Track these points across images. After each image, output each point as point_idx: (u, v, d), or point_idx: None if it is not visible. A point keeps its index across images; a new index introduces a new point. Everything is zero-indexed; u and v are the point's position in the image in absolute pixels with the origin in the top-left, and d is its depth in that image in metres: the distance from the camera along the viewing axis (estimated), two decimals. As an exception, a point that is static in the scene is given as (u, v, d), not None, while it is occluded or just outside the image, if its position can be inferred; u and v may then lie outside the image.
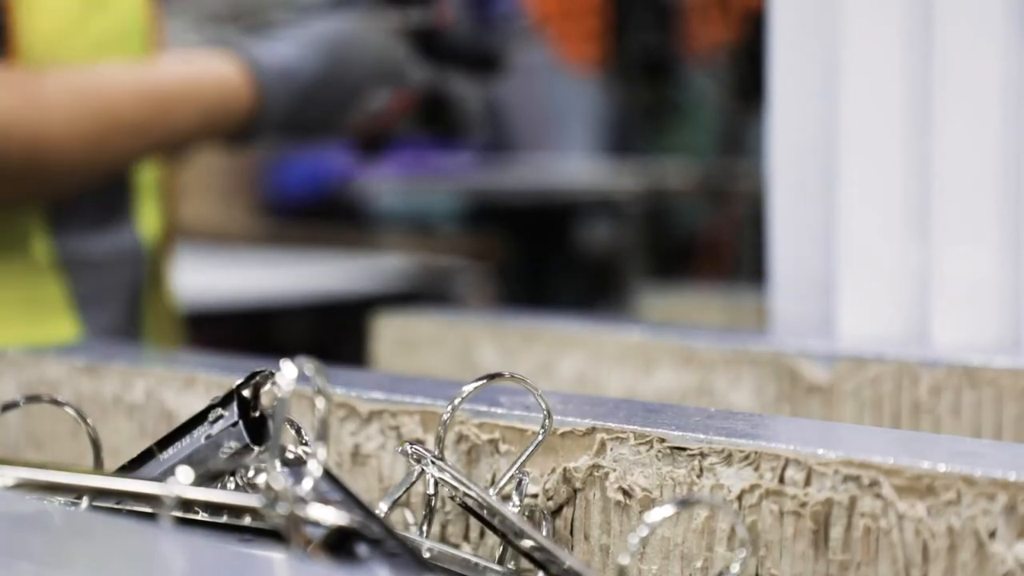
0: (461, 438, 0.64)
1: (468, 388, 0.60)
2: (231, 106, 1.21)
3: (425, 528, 0.61)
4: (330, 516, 0.51)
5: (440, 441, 0.60)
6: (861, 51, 0.85)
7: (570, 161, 2.96)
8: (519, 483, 0.60)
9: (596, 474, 0.60)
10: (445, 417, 0.60)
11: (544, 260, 2.39)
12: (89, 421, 0.65)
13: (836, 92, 0.86)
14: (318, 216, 3.10)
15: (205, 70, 1.21)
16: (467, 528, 0.63)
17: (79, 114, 1.13)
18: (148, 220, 1.23)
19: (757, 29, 1.65)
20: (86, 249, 1.18)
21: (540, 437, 0.60)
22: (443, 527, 0.64)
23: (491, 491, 0.60)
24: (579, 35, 1.74)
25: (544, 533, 0.60)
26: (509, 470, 0.60)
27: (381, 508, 0.59)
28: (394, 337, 0.98)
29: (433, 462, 0.60)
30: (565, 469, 0.61)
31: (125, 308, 1.21)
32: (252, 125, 1.21)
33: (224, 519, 0.55)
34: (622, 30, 1.77)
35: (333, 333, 3.12)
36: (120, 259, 1.21)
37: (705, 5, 1.59)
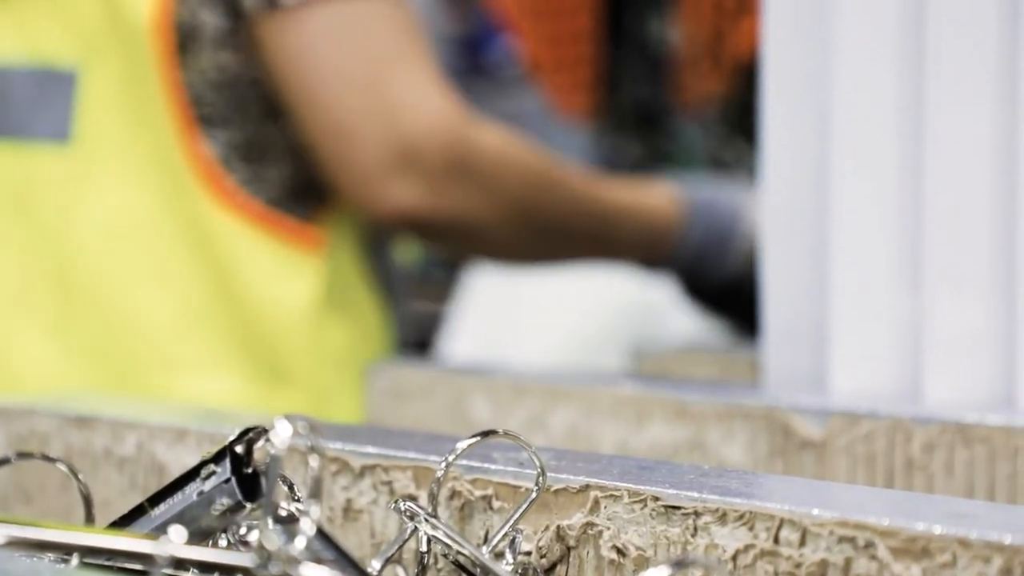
0: (454, 494, 0.63)
1: (462, 445, 0.60)
2: (663, 238, 1.28)
3: (418, 586, 0.60)
4: (323, 576, 0.50)
5: (433, 498, 0.60)
6: (852, 105, 0.85)
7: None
8: (512, 540, 0.60)
9: (590, 532, 0.59)
10: (439, 474, 0.60)
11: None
12: (80, 476, 0.64)
13: (828, 145, 0.87)
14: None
15: (651, 198, 1.28)
16: (460, 586, 0.63)
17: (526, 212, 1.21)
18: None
19: (749, 81, 1.66)
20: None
21: (534, 495, 0.60)
22: (435, 584, 0.63)
23: (484, 549, 0.59)
24: (571, 85, 1.75)
25: (537, 592, 0.60)
26: (502, 527, 0.60)
27: (374, 566, 0.58)
28: (385, 387, 0.97)
29: (426, 519, 0.59)
30: (559, 527, 0.60)
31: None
32: (671, 257, 1.28)
33: (216, 578, 0.54)
34: (613, 81, 1.78)
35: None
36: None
37: (696, 57, 1.59)
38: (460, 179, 1.16)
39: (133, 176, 1.20)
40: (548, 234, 1.24)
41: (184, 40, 1.19)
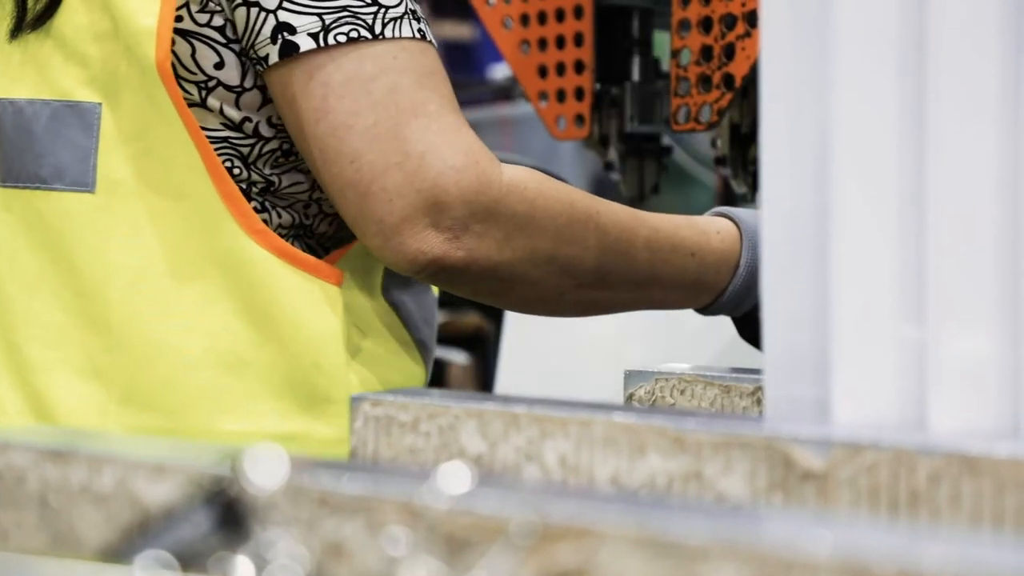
0: (442, 532, 0.61)
1: (453, 483, 0.58)
2: (717, 278, 1.24)
3: (404, 628, 0.58)
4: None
5: (420, 535, 0.58)
6: (854, 134, 0.84)
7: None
8: (503, 581, 0.58)
9: (586, 569, 0.57)
10: (427, 511, 0.58)
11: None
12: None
13: (829, 173, 0.85)
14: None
15: (706, 235, 1.23)
16: (448, 627, 0.61)
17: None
18: None
19: (750, 112, 1.64)
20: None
21: (527, 532, 0.58)
22: (423, 626, 0.61)
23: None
24: (571, 116, 1.73)
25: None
26: (493, 565, 0.58)
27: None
28: (373, 418, 0.95)
29: (413, 557, 0.57)
30: (552, 565, 0.58)
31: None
32: (723, 294, 1.24)
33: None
34: (613, 110, 1.77)
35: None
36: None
37: (692, 84, 1.58)
38: (490, 227, 1.13)
39: (163, 214, 1.19)
40: (589, 279, 1.18)
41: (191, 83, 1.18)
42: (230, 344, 1.19)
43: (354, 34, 1.13)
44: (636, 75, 1.75)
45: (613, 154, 1.75)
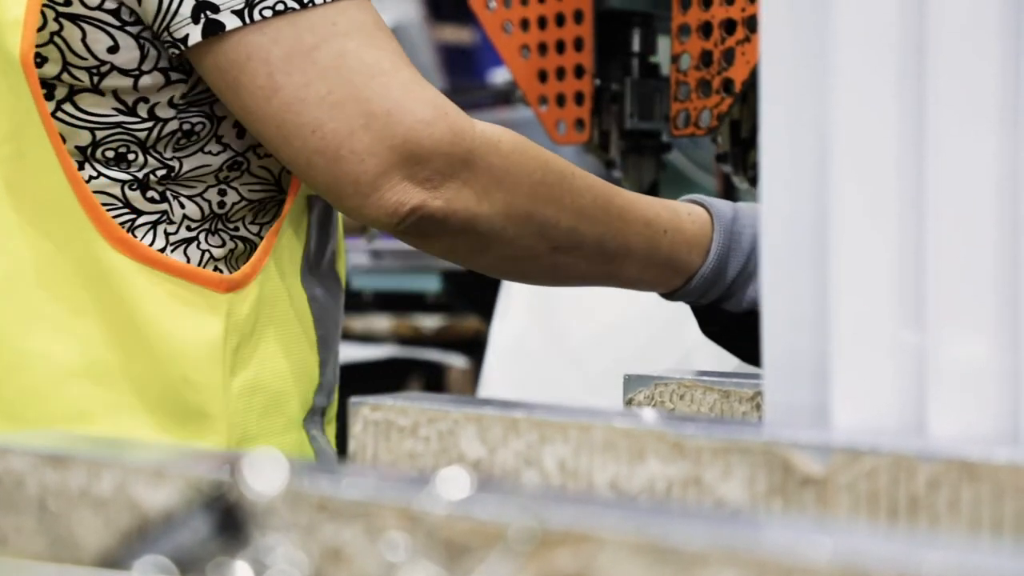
0: (441, 537, 0.61)
1: (452, 488, 0.58)
2: (688, 259, 1.21)
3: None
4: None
5: (419, 540, 0.58)
6: (853, 138, 0.84)
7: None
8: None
9: (585, 574, 0.57)
10: (426, 516, 0.58)
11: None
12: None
13: (828, 177, 0.85)
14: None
15: (678, 215, 1.20)
16: (447, 632, 0.61)
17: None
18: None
19: (750, 114, 1.64)
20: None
21: (526, 537, 0.58)
22: (422, 631, 0.61)
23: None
24: (571, 121, 1.73)
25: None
26: (492, 571, 0.58)
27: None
28: (372, 423, 0.95)
29: (412, 562, 0.57)
30: (551, 571, 0.58)
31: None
32: (693, 281, 1.22)
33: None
34: (614, 114, 1.76)
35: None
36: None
37: (692, 88, 1.58)
38: (467, 178, 1.10)
39: (33, 220, 1.15)
40: (563, 241, 1.15)
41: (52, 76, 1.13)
42: (100, 355, 1.15)
43: (280, 6, 1.08)
44: (636, 72, 1.75)
45: (614, 152, 1.75)
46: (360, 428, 0.94)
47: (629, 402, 1.07)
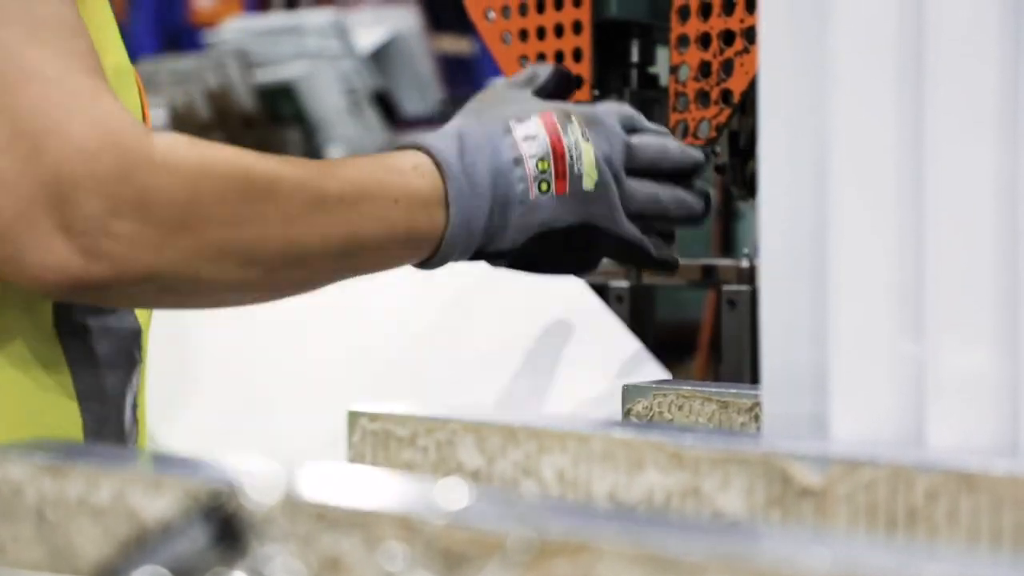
0: (440, 547, 0.61)
1: (450, 498, 0.58)
2: (432, 224, 1.03)
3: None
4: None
5: (418, 550, 0.58)
6: (851, 147, 0.84)
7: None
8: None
9: (581, 587, 0.57)
10: (425, 526, 0.58)
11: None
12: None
13: (827, 187, 0.85)
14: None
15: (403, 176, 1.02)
16: (445, 643, 0.60)
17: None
18: None
19: (749, 125, 1.64)
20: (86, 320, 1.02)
21: (524, 547, 0.58)
22: (420, 641, 0.61)
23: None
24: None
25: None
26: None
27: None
28: (371, 433, 0.95)
29: (410, 572, 0.57)
30: (549, 582, 0.58)
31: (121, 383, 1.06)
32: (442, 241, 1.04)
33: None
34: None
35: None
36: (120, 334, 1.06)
37: (691, 99, 1.58)
38: (140, 225, 0.86)
39: None
40: (277, 260, 0.94)
41: None
42: None
43: None
44: (634, 83, 1.75)
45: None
46: (358, 438, 0.94)
47: (627, 412, 1.07)
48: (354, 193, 0.97)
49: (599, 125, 1.14)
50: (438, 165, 1.04)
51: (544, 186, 1.07)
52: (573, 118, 1.12)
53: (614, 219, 1.12)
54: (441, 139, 1.06)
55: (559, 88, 1.24)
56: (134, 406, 1.08)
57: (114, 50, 1.04)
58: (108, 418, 1.05)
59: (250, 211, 0.91)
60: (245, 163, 0.92)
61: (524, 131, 1.09)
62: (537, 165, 1.07)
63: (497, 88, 1.16)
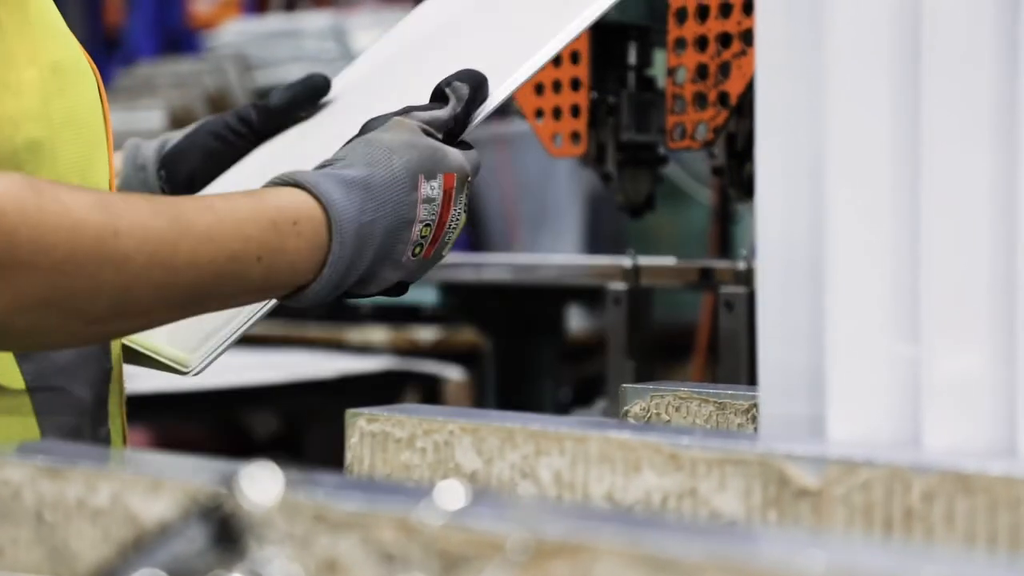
0: (437, 548, 0.61)
1: (448, 500, 0.58)
2: (294, 279, 0.99)
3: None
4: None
5: (415, 551, 0.58)
6: (848, 152, 0.84)
7: (554, 256, 2.95)
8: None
9: (579, 588, 0.57)
10: (422, 527, 0.58)
11: (529, 350, 2.36)
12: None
13: (823, 190, 0.85)
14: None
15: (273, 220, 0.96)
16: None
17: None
18: None
19: (747, 128, 1.65)
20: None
21: (522, 548, 0.58)
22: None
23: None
24: (567, 133, 1.73)
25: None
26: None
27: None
28: (369, 434, 0.95)
29: (408, 574, 0.57)
30: (546, 583, 0.58)
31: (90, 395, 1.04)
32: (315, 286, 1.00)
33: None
34: (610, 127, 1.77)
35: (303, 417, 3.08)
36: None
37: (688, 102, 1.58)
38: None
39: None
40: (105, 312, 0.90)
41: None
42: None
43: None
44: (632, 85, 1.75)
45: (610, 164, 1.75)
46: (357, 440, 0.94)
47: (625, 414, 1.07)
48: (210, 252, 0.92)
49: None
50: (329, 225, 0.98)
51: (417, 250, 1.04)
52: (466, 186, 1.08)
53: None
54: (346, 190, 1.00)
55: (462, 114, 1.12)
56: (107, 417, 1.07)
57: (54, 47, 1.01)
58: (79, 432, 1.03)
59: (76, 266, 0.86)
60: (78, 215, 0.87)
61: (427, 191, 1.04)
62: (421, 231, 1.04)
63: (413, 121, 1.07)
